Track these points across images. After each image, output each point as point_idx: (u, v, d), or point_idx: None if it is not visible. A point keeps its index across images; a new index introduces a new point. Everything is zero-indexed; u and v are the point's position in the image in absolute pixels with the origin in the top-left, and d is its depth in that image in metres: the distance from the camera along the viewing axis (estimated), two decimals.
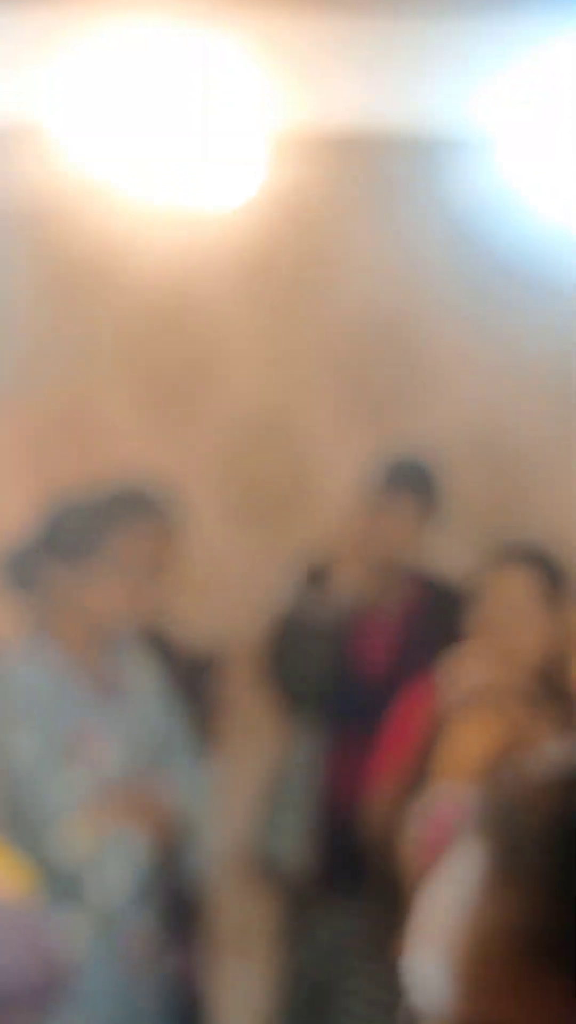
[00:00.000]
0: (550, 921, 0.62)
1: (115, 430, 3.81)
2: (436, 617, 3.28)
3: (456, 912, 0.64)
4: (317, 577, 3.30)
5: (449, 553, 3.54)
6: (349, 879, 2.87)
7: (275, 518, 3.76)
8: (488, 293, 3.68)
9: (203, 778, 2.88)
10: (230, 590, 3.68)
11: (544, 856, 0.63)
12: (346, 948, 2.54)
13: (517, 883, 0.63)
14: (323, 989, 2.60)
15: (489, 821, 0.66)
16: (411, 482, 3.28)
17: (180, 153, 3.48)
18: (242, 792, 3.42)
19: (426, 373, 3.76)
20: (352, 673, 3.25)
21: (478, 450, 3.72)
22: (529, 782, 0.67)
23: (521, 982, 0.62)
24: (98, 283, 3.75)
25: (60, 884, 2.52)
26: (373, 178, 3.72)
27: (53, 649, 2.70)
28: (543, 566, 2.90)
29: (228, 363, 3.79)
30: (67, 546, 2.70)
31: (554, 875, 0.63)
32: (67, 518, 2.76)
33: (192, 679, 3.17)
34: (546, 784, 0.66)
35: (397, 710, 2.94)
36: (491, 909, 0.64)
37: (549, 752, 0.70)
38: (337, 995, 2.54)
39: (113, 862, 2.59)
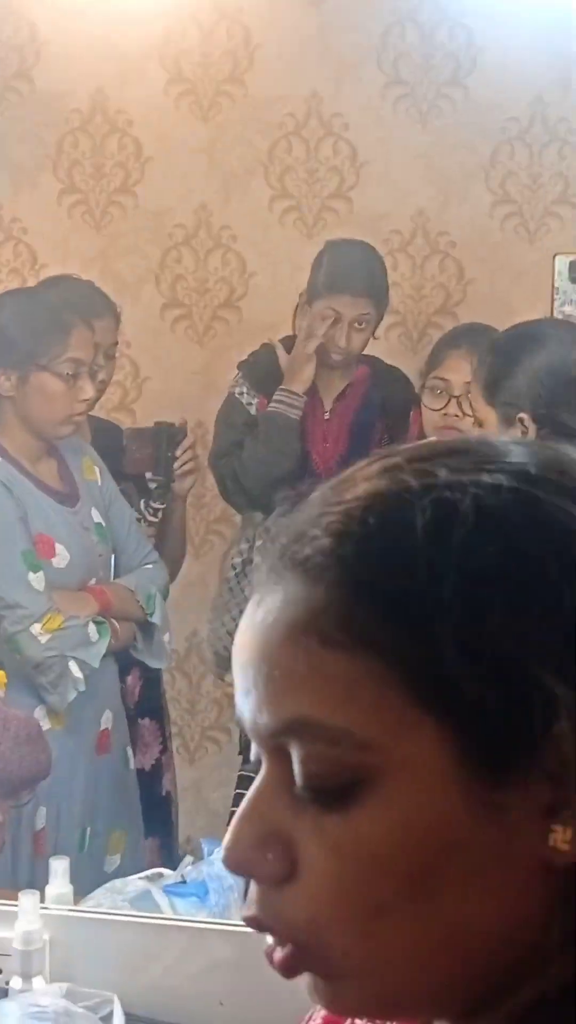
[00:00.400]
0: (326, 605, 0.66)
1: (43, 234, 3.78)
2: (381, 396, 3.29)
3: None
4: (263, 378, 3.26)
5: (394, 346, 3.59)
6: None
7: (216, 321, 3.75)
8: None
9: (160, 576, 2.93)
10: (172, 392, 3.69)
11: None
12: None
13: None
14: None
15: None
16: (354, 277, 3.20)
17: None
18: (203, 593, 3.49)
19: (363, 166, 3.73)
20: (307, 470, 3.24)
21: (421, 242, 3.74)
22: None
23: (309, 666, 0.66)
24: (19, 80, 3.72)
25: (26, 683, 2.59)
26: None
27: (3, 456, 2.69)
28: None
29: (158, 162, 3.73)
30: (8, 352, 2.67)
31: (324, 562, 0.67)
32: (5, 323, 2.70)
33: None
34: None
35: None
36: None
37: None
38: None
39: (73, 655, 2.64)
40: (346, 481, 0.72)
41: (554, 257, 2.91)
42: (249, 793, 0.68)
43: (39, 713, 2.64)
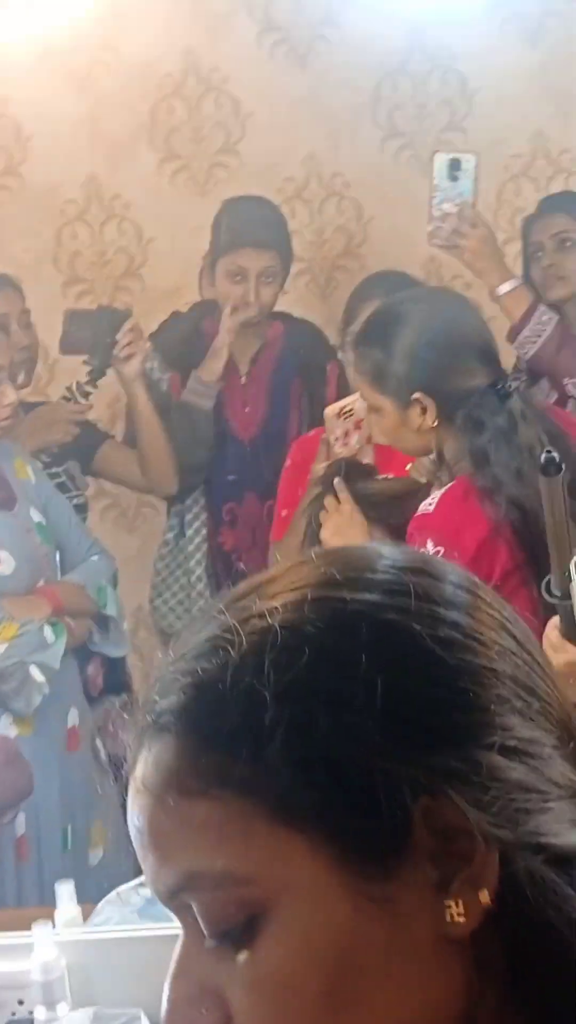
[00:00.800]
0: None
1: None
2: (296, 353, 3.27)
3: None
4: (174, 354, 3.25)
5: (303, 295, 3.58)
6: None
7: (119, 291, 3.70)
8: None
9: (107, 566, 2.91)
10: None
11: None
12: None
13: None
14: None
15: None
16: (254, 230, 3.18)
17: None
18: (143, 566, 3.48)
19: (248, 117, 3.69)
20: (228, 439, 3.25)
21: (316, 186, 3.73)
22: None
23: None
24: None
25: None
26: None
27: None
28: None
29: (39, 139, 3.66)
30: None
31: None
32: None
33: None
34: None
35: (284, 473, 2.97)
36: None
37: None
38: None
39: (32, 660, 2.63)
40: (183, 638, 0.75)
41: (433, 154, 2.91)
42: (174, 955, 0.70)
43: (5, 721, 2.63)
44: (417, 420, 2.29)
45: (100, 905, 1.87)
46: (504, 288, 2.95)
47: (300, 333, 3.32)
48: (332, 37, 3.65)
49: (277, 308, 3.29)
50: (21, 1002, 1.73)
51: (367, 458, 2.66)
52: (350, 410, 2.65)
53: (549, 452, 1.60)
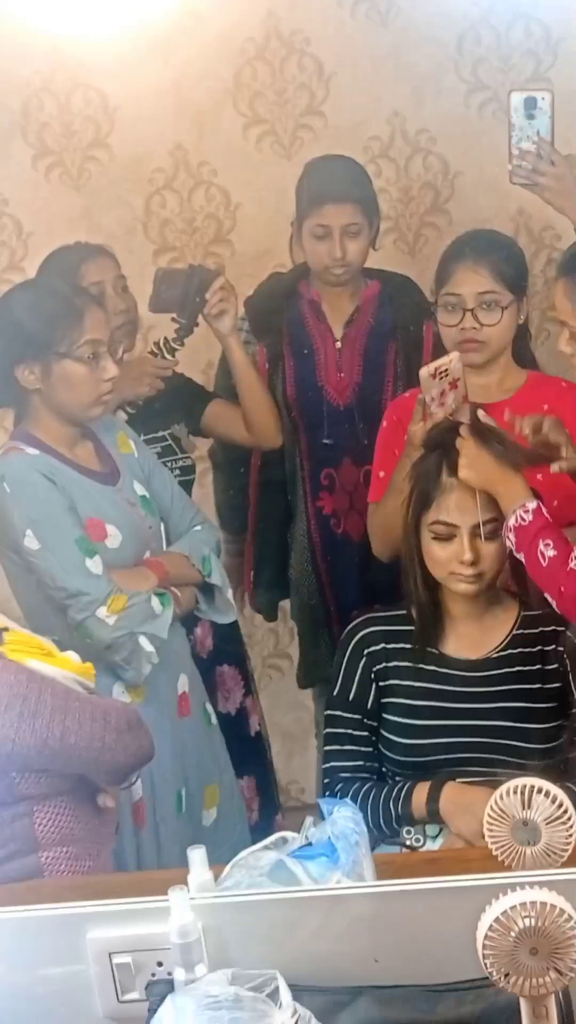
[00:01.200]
0: None
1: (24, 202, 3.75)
2: (392, 313, 3.27)
3: None
4: (264, 325, 3.28)
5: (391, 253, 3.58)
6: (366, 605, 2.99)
7: (209, 258, 3.74)
8: None
9: (211, 536, 2.97)
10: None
11: None
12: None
13: None
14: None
15: None
16: (334, 186, 3.18)
17: None
18: None
19: (331, 78, 3.70)
20: (323, 404, 3.26)
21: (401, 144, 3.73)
22: None
23: None
24: None
25: (101, 664, 2.60)
26: None
27: (42, 449, 2.71)
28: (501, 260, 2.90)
29: (126, 111, 3.71)
30: (28, 345, 2.67)
31: None
32: (20, 317, 2.70)
33: None
34: None
35: (381, 434, 3.01)
36: None
37: None
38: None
39: (142, 631, 2.68)
40: None
41: (509, 94, 2.91)
42: None
43: (118, 690, 2.71)
44: None
45: (228, 868, 1.93)
46: None
47: (396, 290, 3.30)
48: None
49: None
50: (160, 964, 1.80)
51: (463, 418, 2.68)
52: (445, 370, 2.66)
53: None
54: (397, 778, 2.60)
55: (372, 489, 3.04)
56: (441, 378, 2.66)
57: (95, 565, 2.65)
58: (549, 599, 2.44)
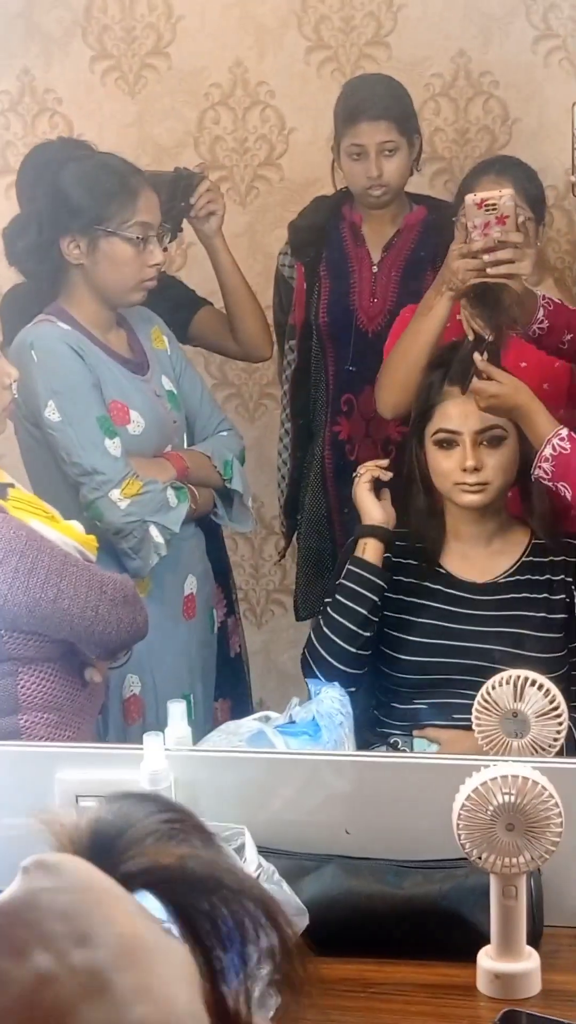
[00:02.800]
0: None
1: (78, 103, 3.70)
2: (435, 241, 3.15)
3: None
4: (304, 243, 3.23)
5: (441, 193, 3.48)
6: None
7: (258, 180, 3.71)
8: None
9: (236, 443, 2.93)
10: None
11: None
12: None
13: None
14: None
15: None
16: (369, 103, 3.12)
17: None
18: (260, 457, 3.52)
19: (400, 9, 3.64)
20: (353, 329, 3.19)
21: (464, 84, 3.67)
22: None
23: None
24: None
25: (109, 552, 2.59)
26: None
27: (73, 326, 2.68)
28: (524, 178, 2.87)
29: (190, 21, 3.66)
30: (76, 218, 2.64)
31: None
32: (72, 188, 2.67)
33: None
34: None
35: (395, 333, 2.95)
36: None
37: None
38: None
39: (153, 520, 2.64)
40: None
41: (573, 106, 2.83)
42: None
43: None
44: None
45: (208, 735, 1.90)
46: None
47: (443, 217, 3.19)
48: None
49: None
50: None
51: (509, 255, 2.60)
52: (493, 204, 2.61)
53: None
54: (391, 695, 2.56)
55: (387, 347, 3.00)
56: (488, 210, 2.60)
57: (114, 446, 2.62)
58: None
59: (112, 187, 2.64)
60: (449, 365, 2.58)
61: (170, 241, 2.97)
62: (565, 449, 2.41)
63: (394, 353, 2.86)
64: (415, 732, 2.47)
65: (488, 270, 2.56)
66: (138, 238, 2.63)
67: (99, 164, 2.75)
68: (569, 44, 3.64)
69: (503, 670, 2.49)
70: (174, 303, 3.13)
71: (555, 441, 2.42)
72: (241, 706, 3.13)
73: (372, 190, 3.12)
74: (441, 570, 2.60)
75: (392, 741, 2.48)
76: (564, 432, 2.42)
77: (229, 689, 3.08)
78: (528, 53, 3.66)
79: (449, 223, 3.20)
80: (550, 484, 2.44)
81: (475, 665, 2.50)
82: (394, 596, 2.59)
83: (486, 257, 2.60)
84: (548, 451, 2.43)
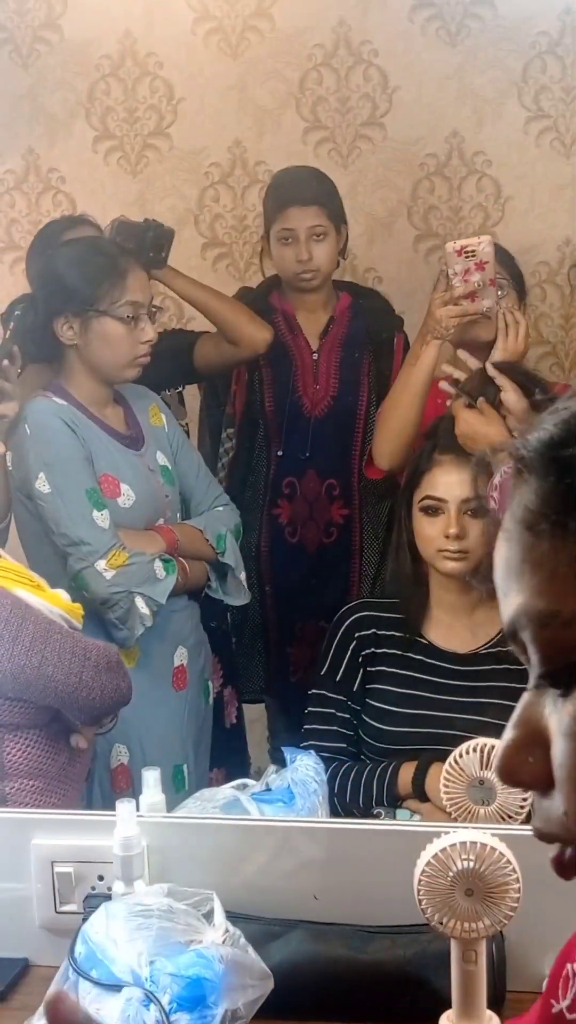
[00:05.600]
0: None
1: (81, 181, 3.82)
2: (365, 326, 3.25)
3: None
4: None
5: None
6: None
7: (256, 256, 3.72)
8: None
9: (232, 517, 2.96)
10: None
11: None
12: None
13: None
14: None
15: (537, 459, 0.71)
16: (296, 190, 3.17)
17: None
18: None
19: (395, 91, 3.73)
20: (298, 414, 3.23)
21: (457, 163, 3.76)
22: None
23: None
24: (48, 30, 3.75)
25: (97, 622, 2.63)
26: None
27: (70, 402, 2.73)
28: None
29: (190, 103, 3.76)
30: (69, 300, 2.70)
31: None
32: (64, 271, 2.73)
33: None
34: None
35: None
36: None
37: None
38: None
39: (139, 591, 2.68)
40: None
41: None
42: (517, 706, 0.72)
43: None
44: None
45: (184, 802, 1.93)
46: None
47: (368, 304, 3.31)
48: (485, 15, 3.68)
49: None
50: (101, 878, 1.80)
51: (488, 301, 2.74)
52: (472, 250, 2.70)
53: None
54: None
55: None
56: (467, 256, 2.69)
57: (102, 518, 2.67)
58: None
59: (102, 268, 2.71)
60: (442, 436, 2.64)
61: None
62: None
63: (387, 404, 2.96)
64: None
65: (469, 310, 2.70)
66: (129, 317, 2.70)
67: (89, 246, 2.84)
68: (560, 125, 3.73)
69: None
70: (171, 353, 3.17)
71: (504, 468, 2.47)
72: (238, 775, 3.15)
73: (303, 274, 3.18)
74: (423, 640, 2.64)
75: (375, 812, 2.51)
76: None
77: (225, 758, 3.11)
78: (520, 133, 3.75)
79: (374, 305, 3.29)
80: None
81: (456, 735, 2.52)
82: (377, 668, 2.62)
83: (466, 303, 2.72)
84: (497, 478, 2.47)
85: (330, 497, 3.20)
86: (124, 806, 1.74)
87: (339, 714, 2.64)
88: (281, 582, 3.25)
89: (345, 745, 2.63)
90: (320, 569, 3.21)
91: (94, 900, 1.77)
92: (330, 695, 2.66)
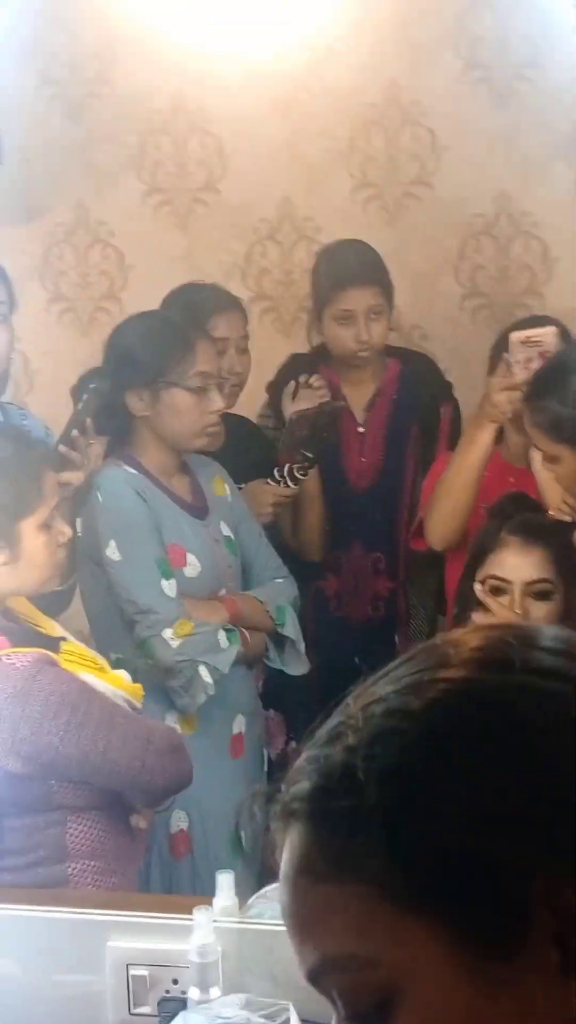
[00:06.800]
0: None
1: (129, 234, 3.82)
2: (412, 396, 3.26)
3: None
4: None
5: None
6: None
7: (302, 312, 3.71)
8: None
9: (290, 589, 2.97)
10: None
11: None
12: None
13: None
14: None
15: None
16: (355, 270, 3.20)
17: None
18: None
19: (444, 151, 3.74)
20: (344, 487, 3.24)
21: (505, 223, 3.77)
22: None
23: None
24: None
25: (157, 689, 2.66)
26: None
27: (140, 471, 2.77)
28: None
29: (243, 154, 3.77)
30: (140, 372, 2.74)
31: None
32: (134, 345, 2.78)
33: None
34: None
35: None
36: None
37: None
38: None
39: (203, 660, 2.69)
40: (320, 728, 0.77)
41: None
42: None
43: (171, 719, 2.73)
44: None
45: (251, 900, 1.94)
46: None
47: (416, 368, 3.32)
48: (533, 77, 3.70)
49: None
50: (176, 981, 1.81)
51: None
52: (538, 339, 2.75)
53: None
54: None
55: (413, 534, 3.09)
56: (531, 346, 2.73)
57: (170, 587, 2.70)
58: None
59: (171, 340, 2.75)
60: (509, 516, 2.65)
61: (311, 468, 3.10)
62: None
63: (440, 487, 2.96)
64: None
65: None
66: (198, 387, 2.74)
67: (159, 320, 2.87)
68: None
69: None
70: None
71: None
72: None
73: (360, 352, 3.20)
74: None
75: None
76: None
77: None
78: (568, 194, 3.76)
79: (423, 372, 3.29)
80: None
81: None
82: None
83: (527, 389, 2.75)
84: None
85: (375, 571, 3.20)
86: (201, 914, 1.76)
87: None
88: (323, 654, 3.25)
89: None
90: (366, 642, 3.21)
91: (169, 1003, 1.79)
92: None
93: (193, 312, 3.00)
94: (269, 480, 3.11)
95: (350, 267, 3.20)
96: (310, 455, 3.09)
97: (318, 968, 0.72)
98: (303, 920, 0.73)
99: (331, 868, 0.70)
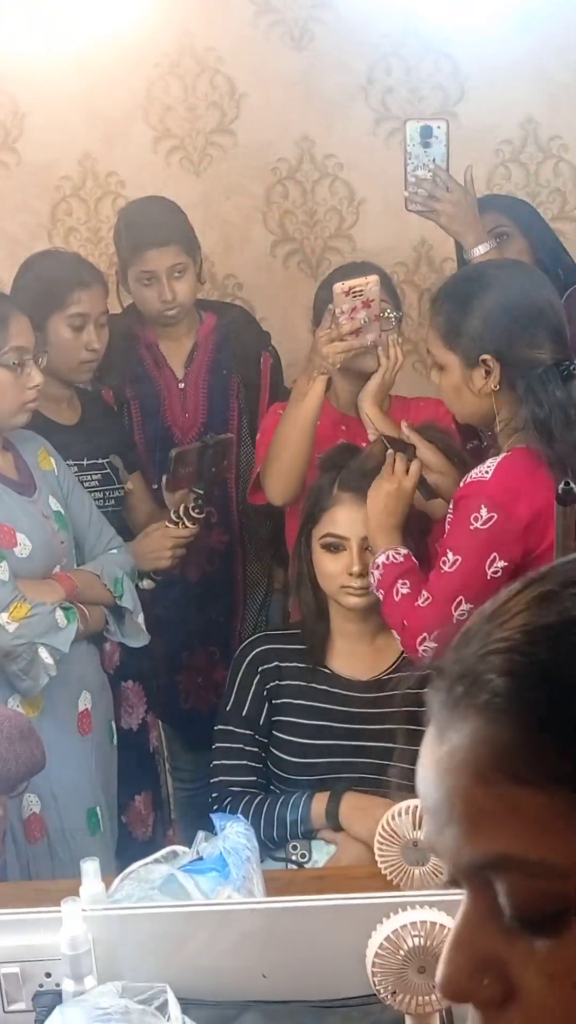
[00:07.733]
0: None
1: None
2: (230, 348, 3.25)
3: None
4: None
5: None
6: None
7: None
8: None
9: (126, 559, 2.95)
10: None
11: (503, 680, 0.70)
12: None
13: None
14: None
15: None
16: (153, 230, 3.14)
17: None
18: None
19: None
20: (170, 443, 3.21)
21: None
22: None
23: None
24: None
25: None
26: None
27: None
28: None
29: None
30: None
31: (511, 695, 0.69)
32: None
33: None
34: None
35: (261, 438, 3.07)
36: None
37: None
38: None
39: (42, 641, 2.66)
40: (502, 613, 0.74)
41: (405, 123, 2.95)
42: (457, 922, 0.72)
43: (12, 703, 2.68)
44: (480, 382, 2.42)
45: (117, 881, 1.94)
46: (479, 250, 2.96)
47: (233, 321, 3.31)
48: (326, 18, 3.67)
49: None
50: (48, 975, 1.80)
51: (372, 335, 2.82)
52: (360, 290, 2.76)
53: (567, 484, 1.68)
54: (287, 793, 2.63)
55: (252, 488, 3.09)
56: (354, 296, 2.74)
57: (1, 571, 2.65)
58: (395, 634, 2.50)
59: None
60: (339, 469, 2.65)
61: (204, 506, 3.07)
62: (397, 559, 2.50)
63: (275, 443, 2.95)
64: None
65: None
66: (14, 363, 2.67)
67: None
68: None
69: (396, 766, 2.60)
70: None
71: (391, 553, 2.51)
72: (159, 798, 3.21)
73: (166, 311, 3.17)
74: (326, 670, 2.68)
75: (292, 846, 2.55)
76: (403, 550, 2.52)
77: (149, 783, 3.15)
78: (369, 134, 3.76)
79: (240, 324, 3.30)
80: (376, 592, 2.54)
81: (365, 763, 2.58)
82: (282, 700, 2.65)
83: (351, 339, 2.76)
84: (382, 558, 2.52)
85: (208, 525, 3.20)
86: (69, 906, 1.74)
87: (247, 748, 2.66)
88: (166, 613, 3.24)
89: (255, 778, 2.66)
90: (204, 597, 3.21)
91: (43, 997, 1.78)
92: (237, 730, 2.68)
93: (48, 286, 2.93)
94: (167, 523, 3.07)
95: (148, 228, 3.14)
96: (199, 491, 3.06)
97: (494, 863, 0.69)
98: (485, 815, 0.69)
99: (540, 774, 0.67)
